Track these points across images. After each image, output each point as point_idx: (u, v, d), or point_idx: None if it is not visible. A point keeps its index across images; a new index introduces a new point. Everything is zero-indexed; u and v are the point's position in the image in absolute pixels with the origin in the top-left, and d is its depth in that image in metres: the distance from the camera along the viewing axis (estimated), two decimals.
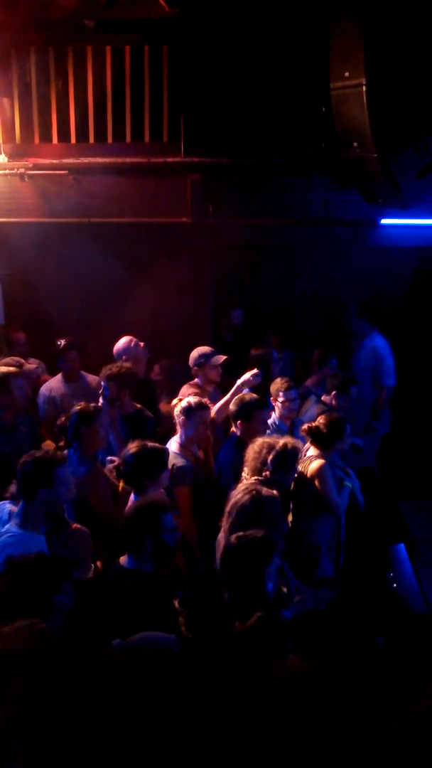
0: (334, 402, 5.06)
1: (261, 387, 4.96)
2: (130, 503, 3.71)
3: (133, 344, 5.34)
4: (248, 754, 1.99)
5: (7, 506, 3.52)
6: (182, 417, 4.33)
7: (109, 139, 6.32)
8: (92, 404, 4.19)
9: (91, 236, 6.31)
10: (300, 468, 4.22)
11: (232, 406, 4.49)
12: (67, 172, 6.28)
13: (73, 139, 6.36)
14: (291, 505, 4.24)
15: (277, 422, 4.91)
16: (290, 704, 2.08)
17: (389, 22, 4.45)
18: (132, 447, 3.73)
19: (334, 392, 5.10)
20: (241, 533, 3.24)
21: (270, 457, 3.80)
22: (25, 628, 2.07)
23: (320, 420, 4.31)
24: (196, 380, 5.23)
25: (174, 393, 5.41)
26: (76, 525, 3.47)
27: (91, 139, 6.34)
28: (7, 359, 5.09)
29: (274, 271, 7.08)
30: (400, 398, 6.68)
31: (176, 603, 3.06)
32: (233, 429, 4.54)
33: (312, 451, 4.30)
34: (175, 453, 4.19)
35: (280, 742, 2.00)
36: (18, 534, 3.21)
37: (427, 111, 4.65)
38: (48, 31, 6.09)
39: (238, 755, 1.99)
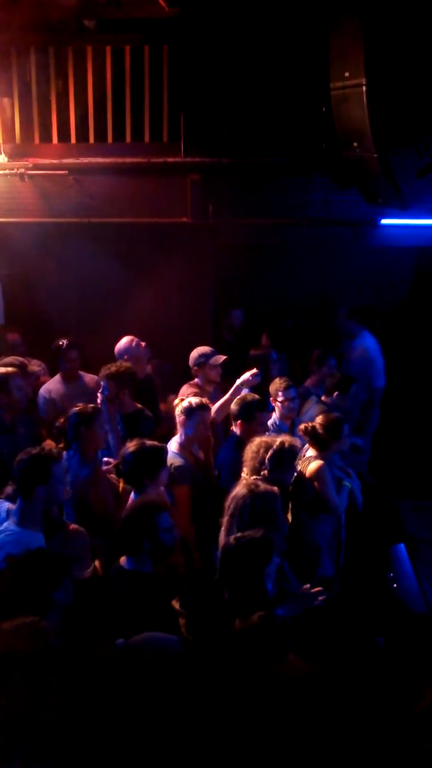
0: (337, 402, 5.06)
1: (260, 387, 4.96)
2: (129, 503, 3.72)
3: (134, 344, 5.34)
4: (250, 753, 1.99)
5: (5, 505, 3.53)
6: (182, 417, 4.33)
7: (109, 139, 6.33)
8: (90, 405, 4.19)
9: (91, 236, 6.31)
10: (299, 468, 4.22)
11: (233, 406, 4.49)
12: (67, 172, 6.28)
13: (73, 139, 6.36)
14: (290, 505, 4.24)
15: (277, 422, 4.91)
16: (291, 704, 2.08)
17: (389, 22, 4.45)
18: (131, 446, 3.74)
19: (336, 393, 5.10)
20: (239, 534, 3.24)
21: (268, 456, 3.81)
22: (25, 626, 2.07)
23: (318, 420, 4.31)
24: (196, 380, 5.23)
25: (165, 393, 5.43)
26: (73, 526, 3.47)
27: (91, 139, 6.34)
28: (9, 359, 5.08)
29: (274, 271, 7.08)
30: (401, 398, 6.68)
31: (176, 604, 3.07)
32: (233, 429, 4.55)
33: (311, 451, 4.30)
34: (174, 453, 4.19)
35: (281, 742, 2.00)
36: (16, 532, 3.21)
37: (427, 111, 4.65)
38: (48, 31, 6.10)
39: (240, 755, 1.99)
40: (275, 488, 3.59)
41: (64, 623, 2.75)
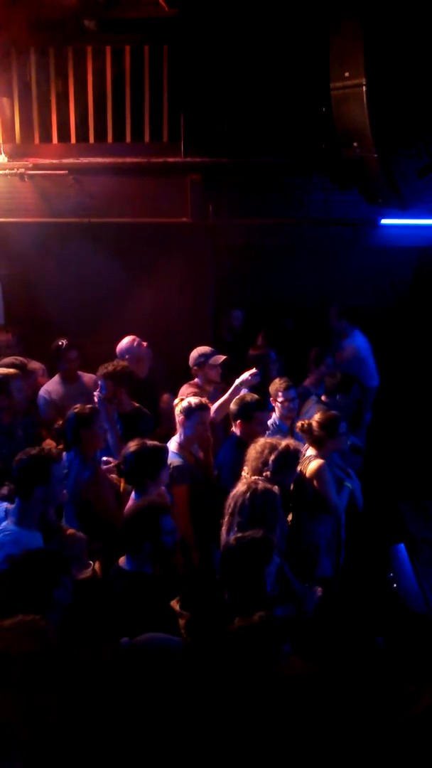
0: (340, 402, 5.07)
1: (260, 387, 4.96)
2: (130, 503, 3.72)
3: (136, 344, 5.34)
4: (250, 753, 1.99)
5: (3, 505, 3.53)
6: (181, 417, 4.33)
7: (109, 139, 6.32)
8: (88, 406, 4.18)
9: (91, 236, 6.31)
10: (299, 468, 4.22)
11: (232, 406, 4.49)
12: (67, 172, 6.28)
13: (73, 139, 6.36)
14: (290, 505, 4.24)
15: (277, 422, 4.91)
16: (291, 704, 2.08)
17: (389, 23, 4.45)
18: (132, 445, 3.74)
19: (339, 395, 5.10)
20: (240, 534, 3.24)
21: (272, 458, 3.81)
22: (24, 625, 2.07)
23: (315, 417, 4.32)
24: (195, 380, 5.23)
25: (160, 392, 5.43)
26: (70, 530, 3.47)
27: (91, 139, 6.34)
28: (10, 359, 5.08)
29: (274, 271, 7.08)
30: (401, 398, 6.68)
31: (176, 605, 3.07)
32: (233, 429, 4.55)
33: (311, 451, 4.30)
34: (173, 452, 4.20)
35: (281, 742, 2.00)
36: (15, 532, 3.22)
37: (427, 111, 4.65)
38: (48, 31, 6.10)
39: (240, 754, 1.99)
40: (275, 487, 3.59)
41: (64, 623, 2.75)
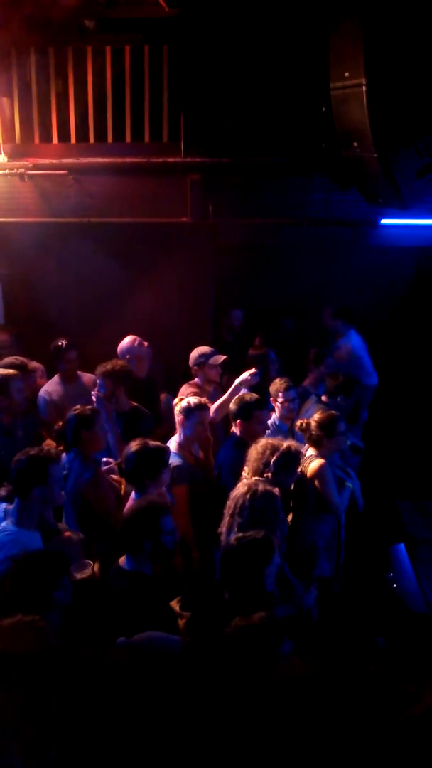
0: (342, 404, 5.07)
1: (259, 387, 4.96)
2: (130, 503, 3.71)
3: (137, 344, 5.34)
4: (249, 753, 1.99)
5: (2, 505, 3.53)
6: (181, 417, 4.34)
7: (109, 139, 6.32)
8: (89, 407, 4.17)
9: (91, 236, 6.31)
10: (300, 468, 4.22)
11: (232, 406, 4.49)
12: (67, 172, 6.28)
13: (73, 139, 6.36)
14: (291, 505, 4.24)
15: (277, 422, 4.91)
16: (291, 704, 2.08)
17: (389, 23, 4.45)
18: (134, 445, 3.74)
19: (340, 397, 5.10)
20: (240, 534, 3.24)
21: (273, 459, 3.81)
22: (24, 625, 2.07)
23: (313, 417, 4.32)
24: (195, 380, 5.23)
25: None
26: (67, 533, 3.47)
27: (91, 139, 6.34)
28: (10, 358, 5.07)
29: (274, 271, 7.08)
30: (401, 398, 6.68)
31: (176, 606, 3.07)
32: (233, 429, 4.55)
33: (311, 451, 4.30)
34: (173, 452, 4.19)
35: (280, 742, 2.00)
36: (14, 532, 3.22)
37: (427, 111, 4.65)
38: (48, 31, 6.09)
39: (240, 754, 1.99)
40: (276, 489, 3.59)
41: (64, 623, 2.76)
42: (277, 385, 4.95)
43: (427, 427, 6.61)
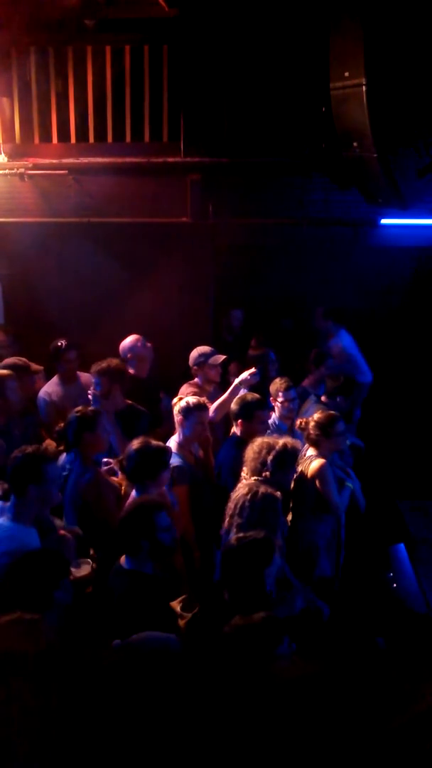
0: (342, 404, 5.07)
1: (259, 387, 4.96)
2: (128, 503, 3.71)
3: (139, 343, 5.35)
4: (249, 753, 1.99)
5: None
6: (180, 417, 4.33)
7: (109, 139, 6.32)
8: (90, 408, 4.17)
9: (91, 236, 6.31)
10: (300, 468, 4.22)
11: (233, 406, 4.49)
12: (67, 172, 6.28)
13: (73, 139, 6.36)
14: (291, 505, 4.24)
15: (276, 422, 4.91)
16: (291, 704, 2.08)
17: (389, 23, 4.45)
18: (135, 443, 3.74)
19: (340, 398, 5.11)
20: (241, 534, 3.24)
21: (270, 458, 3.80)
22: (22, 622, 2.07)
23: (312, 417, 4.32)
24: (195, 380, 5.23)
25: None
26: (62, 531, 3.47)
27: (91, 139, 6.34)
28: (12, 359, 5.07)
29: (274, 271, 7.08)
30: (401, 398, 6.68)
31: (177, 606, 3.07)
32: (234, 428, 4.55)
33: (311, 450, 4.30)
34: (173, 453, 4.19)
35: (280, 742, 2.00)
36: (11, 528, 3.23)
37: (427, 111, 4.65)
38: (48, 31, 6.09)
39: (239, 754, 1.99)
40: (278, 492, 3.59)
41: (64, 623, 2.75)
42: (277, 384, 4.95)
43: (427, 427, 6.61)
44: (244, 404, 4.43)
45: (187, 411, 4.31)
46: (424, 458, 6.12)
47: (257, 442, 3.92)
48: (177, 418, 4.36)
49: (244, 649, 2.39)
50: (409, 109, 4.62)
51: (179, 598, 3.14)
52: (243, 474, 3.93)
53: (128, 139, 6.29)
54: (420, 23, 4.49)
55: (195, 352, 5.23)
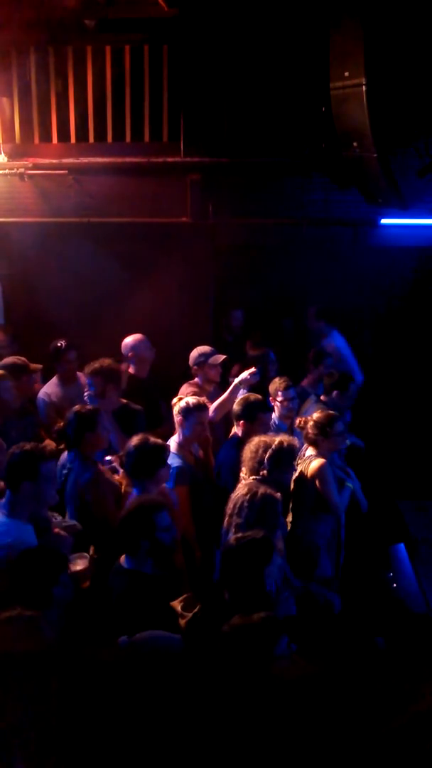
0: (337, 401, 5.07)
1: (258, 388, 4.96)
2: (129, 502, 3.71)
3: (142, 344, 5.34)
4: (249, 752, 1.99)
5: None
6: (179, 417, 4.33)
7: (109, 139, 6.32)
8: (89, 407, 4.16)
9: (91, 236, 6.30)
10: (300, 468, 4.22)
11: (235, 406, 4.49)
12: (66, 172, 6.28)
13: (72, 139, 6.36)
14: (291, 505, 4.24)
15: (276, 422, 4.91)
16: (291, 703, 2.08)
17: (389, 22, 4.45)
18: (134, 440, 3.75)
19: (335, 392, 5.10)
20: (240, 534, 3.24)
21: (266, 456, 3.80)
22: (21, 618, 2.07)
23: (311, 416, 4.32)
24: (195, 379, 5.23)
25: None
26: (56, 529, 3.46)
27: (91, 139, 6.34)
28: (12, 358, 5.06)
29: (274, 271, 7.07)
30: (401, 398, 6.67)
31: (177, 605, 3.07)
32: (235, 429, 4.54)
33: (310, 450, 4.30)
34: (172, 453, 4.19)
35: (280, 742, 2.00)
36: (6, 523, 3.24)
37: (427, 111, 4.66)
38: (48, 31, 6.09)
39: (240, 754, 1.99)
40: (278, 494, 3.58)
41: (64, 621, 2.76)
42: (276, 384, 4.94)
43: (427, 427, 6.61)
44: (247, 405, 4.42)
45: (187, 411, 4.30)
46: (424, 458, 6.12)
47: (254, 441, 3.91)
48: (177, 418, 4.36)
49: (243, 648, 2.39)
50: (409, 109, 4.63)
51: (180, 598, 3.14)
52: (242, 474, 3.92)
53: (128, 139, 6.29)
54: (420, 23, 4.49)
55: (195, 352, 5.23)
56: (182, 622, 3.03)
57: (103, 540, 3.71)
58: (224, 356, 5.24)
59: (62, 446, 4.24)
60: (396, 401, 6.62)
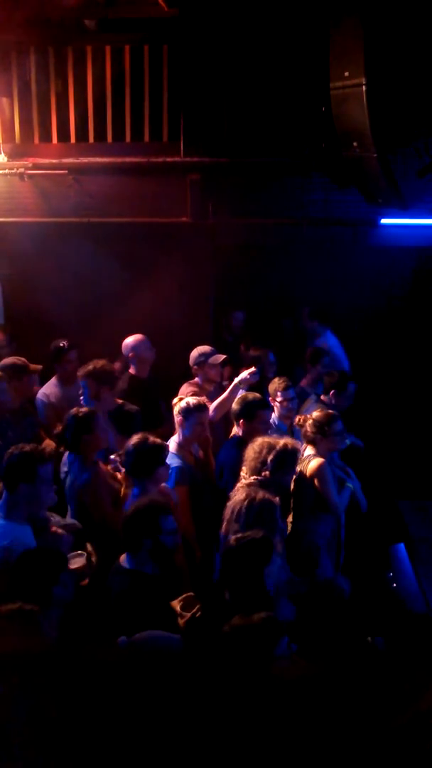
0: (333, 400, 5.07)
1: (257, 388, 4.96)
2: (131, 500, 3.71)
3: (143, 344, 5.34)
4: (250, 752, 1.99)
5: None
6: (179, 417, 4.33)
7: (109, 139, 6.32)
8: (86, 408, 4.15)
9: (91, 236, 6.30)
10: (299, 468, 4.21)
11: (234, 406, 4.48)
12: (66, 171, 6.28)
13: (72, 139, 6.36)
14: (291, 505, 4.24)
15: (276, 422, 4.91)
16: (291, 703, 2.08)
17: (389, 22, 4.45)
18: (134, 439, 3.75)
19: (333, 391, 5.10)
20: (240, 534, 3.24)
21: (270, 458, 3.80)
22: (20, 614, 2.07)
23: (311, 415, 4.31)
24: (195, 379, 5.23)
25: None
26: (54, 528, 3.47)
27: (91, 139, 6.33)
28: (11, 359, 5.06)
29: (274, 271, 7.08)
30: (401, 398, 6.67)
31: (177, 605, 3.07)
32: (235, 429, 4.54)
33: (309, 450, 4.29)
34: (172, 453, 4.19)
35: (281, 742, 2.00)
36: (3, 525, 3.24)
37: (427, 111, 4.65)
38: (48, 31, 6.09)
39: (240, 754, 1.99)
40: (276, 498, 3.57)
41: (64, 621, 2.76)
42: (275, 384, 4.94)
43: (427, 427, 6.61)
44: (246, 404, 4.42)
45: (186, 411, 4.30)
46: (424, 458, 6.12)
47: (258, 442, 3.91)
48: (177, 418, 4.36)
49: (243, 649, 2.39)
50: (409, 109, 4.62)
51: (180, 597, 3.14)
52: (242, 474, 3.92)
53: (128, 139, 6.29)
54: (420, 23, 4.49)
55: (195, 352, 5.23)
56: (181, 622, 3.03)
57: (102, 540, 3.71)
58: (224, 356, 5.23)
59: (62, 448, 4.24)
60: (396, 401, 6.62)
